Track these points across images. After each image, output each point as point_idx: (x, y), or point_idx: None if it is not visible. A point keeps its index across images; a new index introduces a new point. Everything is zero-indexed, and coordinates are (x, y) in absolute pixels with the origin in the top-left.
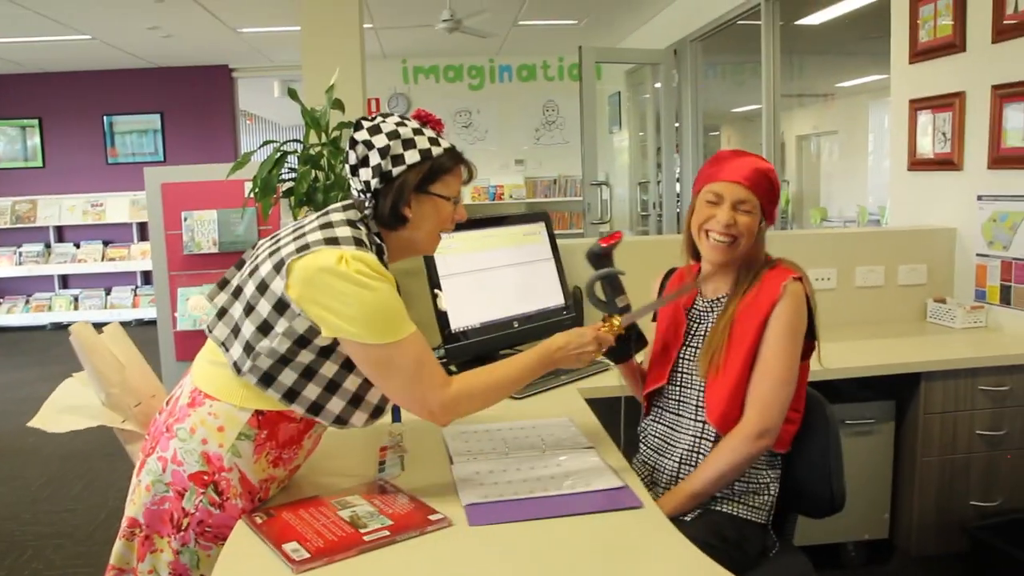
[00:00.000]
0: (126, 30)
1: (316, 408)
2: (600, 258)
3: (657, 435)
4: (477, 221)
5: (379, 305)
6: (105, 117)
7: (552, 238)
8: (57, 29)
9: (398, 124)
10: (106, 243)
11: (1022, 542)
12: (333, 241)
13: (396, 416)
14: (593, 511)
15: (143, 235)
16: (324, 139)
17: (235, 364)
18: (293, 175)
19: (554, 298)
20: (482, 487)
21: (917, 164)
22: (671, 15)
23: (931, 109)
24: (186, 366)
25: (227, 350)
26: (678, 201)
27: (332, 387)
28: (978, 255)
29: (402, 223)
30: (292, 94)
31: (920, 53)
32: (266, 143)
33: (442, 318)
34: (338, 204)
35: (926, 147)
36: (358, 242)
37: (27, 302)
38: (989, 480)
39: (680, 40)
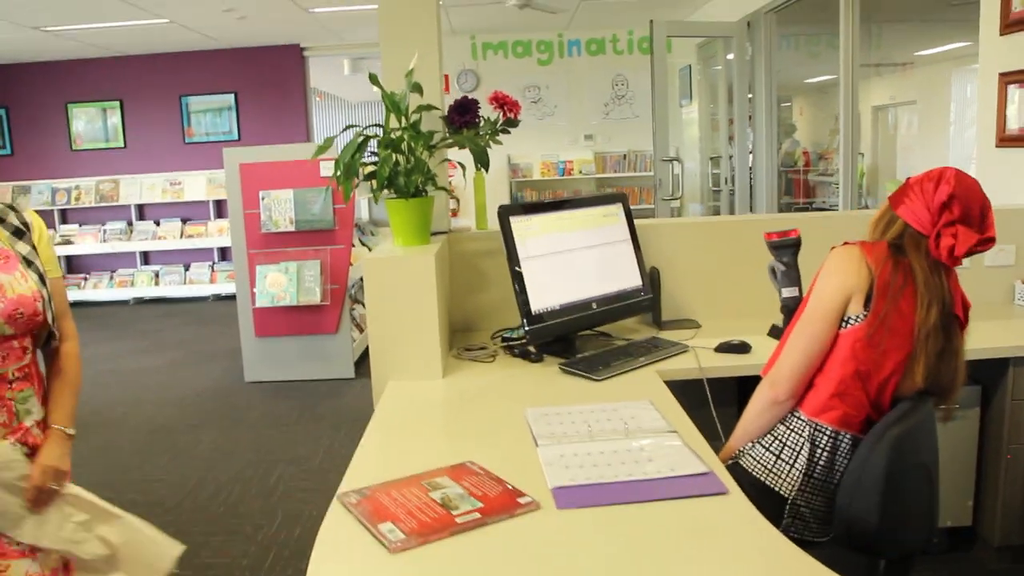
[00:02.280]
0: (202, 13)
1: None
2: (775, 249)
3: None
4: (555, 203)
5: None
6: (182, 97)
7: (630, 219)
8: (136, 14)
9: None
10: (184, 220)
11: None
12: None
13: None
14: (679, 496)
15: (220, 212)
16: (404, 123)
17: None
18: (373, 158)
19: (632, 280)
20: (568, 470)
21: (1006, 140)
22: None
23: (1023, 83)
24: (266, 342)
25: None
26: (751, 176)
27: None
28: None
29: None
30: (373, 79)
31: (1012, 24)
32: (348, 127)
33: (523, 300)
34: None
35: (1016, 123)
36: None
37: (111, 278)
38: None
39: (754, 12)
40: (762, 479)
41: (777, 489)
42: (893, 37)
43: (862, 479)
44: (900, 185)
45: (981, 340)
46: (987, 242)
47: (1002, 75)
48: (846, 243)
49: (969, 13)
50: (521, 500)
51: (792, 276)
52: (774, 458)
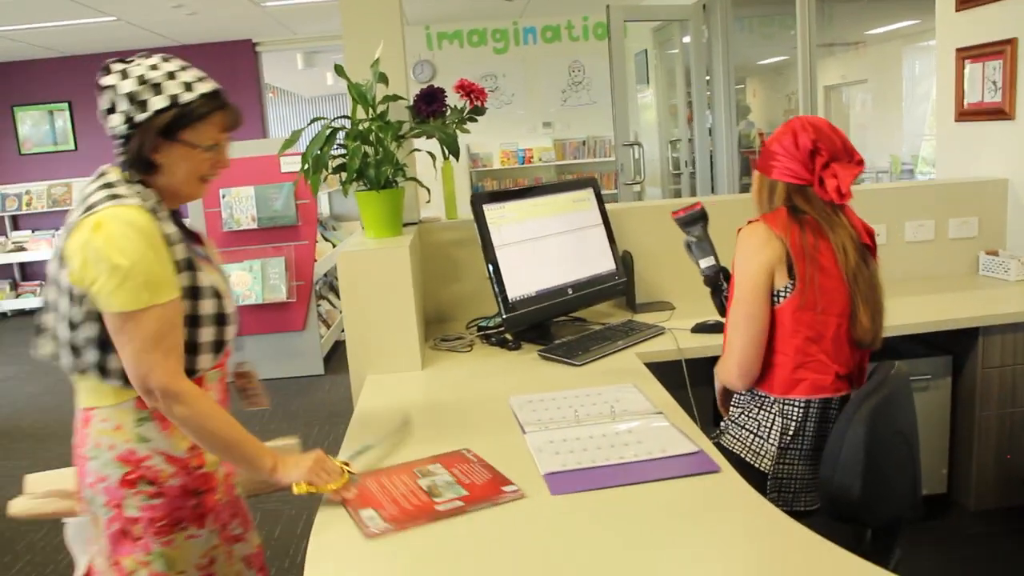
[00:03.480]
0: (150, 9)
1: None
2: (684, 224)
3: None
4: (526, 190)
5: (130, 273)
6: None
7: (601, 204)
8: (83, 12)
9: (151, 67)
10: None
11: None
12: (90, 208)
13: None
14: (671, 476)
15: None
16: (372, 114)
17: (78, 370)
18: (341, 151)
19: (606, 264)
20: (558, 456)
21: (965, 115)
22: None
23: (979, 58)
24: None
25: (58, 361)
26: (711, 158)
27: None
28: None
29: (152, 169)
30: (339, 70)
31: (968, 0)
32: (315, 120)
33: (499, 288)
34: (92, 177)
35: (974, 97)
36: (114, 197)
37: None
38: None
39: None
40: (743, 456)
41: (757, 465)
42: (844, 16)
43: (843, 451)
44: (760, 151)
45: (949, 311)
46: (859, 165)
47: (959, 50)
48: (749, 222)
49: None
50: (506, 489)
51: (705, 247)
52: (751, 435)
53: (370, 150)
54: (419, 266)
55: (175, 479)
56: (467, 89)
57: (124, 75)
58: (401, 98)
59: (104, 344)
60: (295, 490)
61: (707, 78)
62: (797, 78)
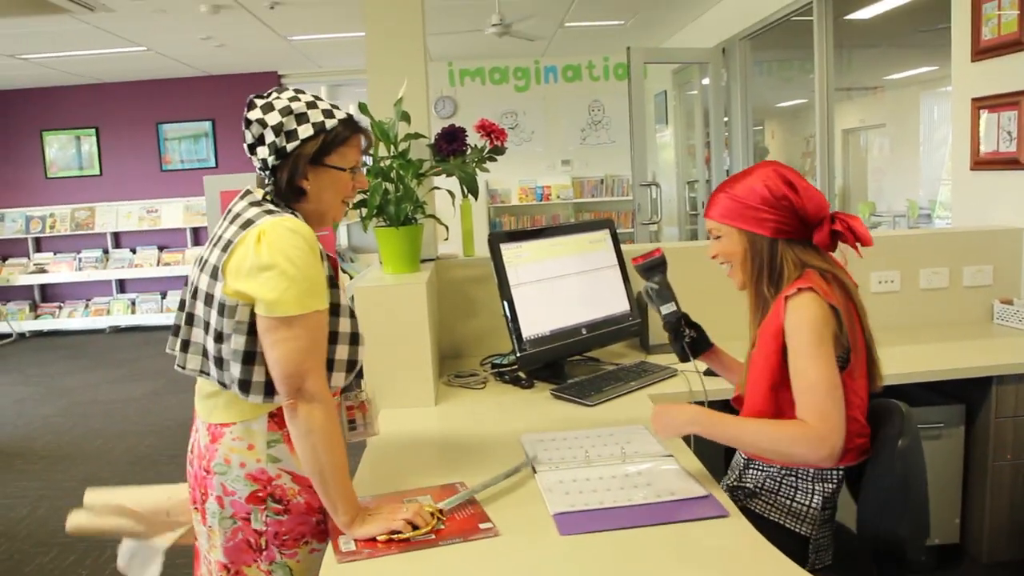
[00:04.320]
0: (180, 41)
1: None
2: (645, 271)
3: None
4: (543, 230)
5: (296, 277)
6: (158, 125)
7: (617, 245)
8: (114, 42)
9: (291, 99)
10: (161, 248)
11: None
12: (247, 223)
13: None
14: (679, 520)
15: (196, 240)
16: (393, 152)
17: (220, 383)
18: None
19: (620, 305)
20: (568, 496)
21: (981, 163)
22: (719, 13)
23: (995, 108)
24: None
25: (208, 375)
26: None
27: None
28: None
29: (301, 196)
30: (363, 108)
31: (983, 51)
32: None
33: (514, 326)
34: (237, 199)
35: (989, 146)
36: (269, 212)
37: (87, 306)
38: None
39: (729, 38)
40: (781, 522)
41: (797, 530)
42: (863, 61)
43: (887, 494)
44: (731, 222)
45: (963, 359)
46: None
47: (974, 100)
48: (800, 289)
49: (936, 38)
50: (482, 526)
51: (666, 294)
52: (789, 501)
53: (391, 187)
54: (435, 302)
55: (301, 496)
56: (487, 129)
57: (269, 108)
58: (423, 136)
59: (249, 358)
60: (379, 537)
61: (725, 119)
62: (815, 121)
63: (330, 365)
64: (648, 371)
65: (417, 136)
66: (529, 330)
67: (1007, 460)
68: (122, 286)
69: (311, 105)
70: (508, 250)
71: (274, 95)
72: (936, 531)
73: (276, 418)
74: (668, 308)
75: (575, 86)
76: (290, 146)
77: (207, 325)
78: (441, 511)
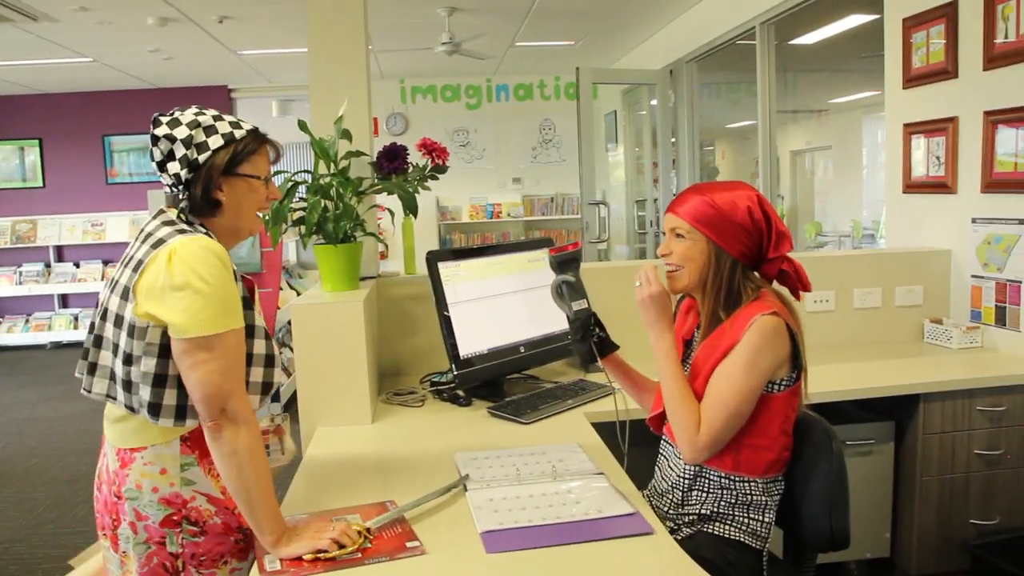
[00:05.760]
0: (127, 52)
1: None
2: (559, 265)
3: (660, 458)
4: (482, 248)
5: (210, 298)
6: (105, 137)
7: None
8: (59, 52)
9: (197, 114)
10: (106, 262)
11: (1022, 560)
12: (159, 243)
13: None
14: (606, 537)
15: None
16: (333, 169)
17: (128, 407)
18: (302, 203)
19: (559, 323)
20: (496, 514)
21: (912, 187)
22: (666, 37)
23: (925, 133)
24: None
25: (114, 399)
26: None
27: None
28: (973, 276)
29: (217, 208)
30: (302, 126)
31: (913, 79)
32: (276, 173)
33: (451, 343)
34: (150, 218)
35: (920, 170)
36: (182, 232)
37: (27, 321)
38: (987, 499)
39: (676, 60)
40: (743, 540)
41: (755, 546)
42: (808, 86)
43: (834, 490)
44: (704, 229)
45: (893, 377)
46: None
47: (906, 125)
48: (764, 314)
49: (877, 64)
50: (409, 544)
51: (580, 289)
52: (746, 519)
53: (330, 204)
54: (375, 320)
55: (217, 518)
56: (429, 148)
57: (175, 123)
58: (364, 154)
59: (160, 380)
60: (305, 556)
61: (673, 140)
62: (758, 143)
63: (245, 387)
64: (586, 389)
65: (358, 154)
66: (467, 348)
67: (934, 475)
68: (64, 301)
69: (217, 119)
70: (446, 268)
71: (178, 112)
72: (867, 545)
73: (189, 441)
74: (579, 305)
75: (526, 105)
76: (202, 157)
77: (116, 347)
78: (368, 530)
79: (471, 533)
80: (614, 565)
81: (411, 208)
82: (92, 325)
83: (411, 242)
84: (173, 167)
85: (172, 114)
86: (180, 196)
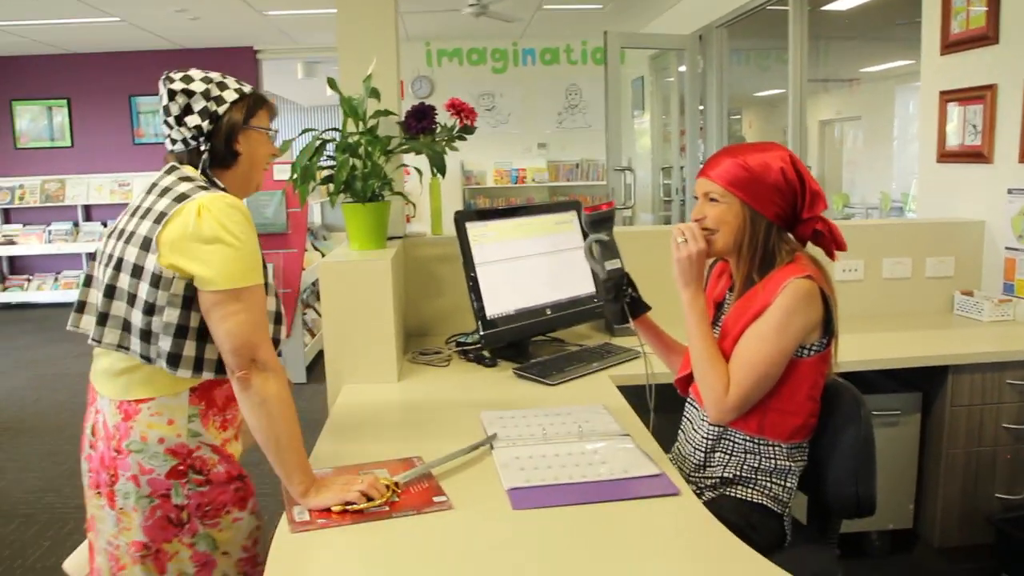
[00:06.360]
0: (154, 13)
1: (222, 366)
2: (593, 224)
3: (684, 421)
4: (510, 210)
5: (240, 252)
6: (131, 98)
7: (583, 227)
8: (87, 11)
9: (203, 74)
10: None
11: None
12: (182, 197)
13: None
14: (631, 497)
15: None
16: (362, 128)
17: (144, 356)
18: (331, 162)
19: (585, 287)
20: (523, 472)
21: (946, 156)
22: (696, 1)
23: (961, 101)
24: None
25: (128, 349)
26: None
27: None
28: (1007, 248)
29: (235, 159)
30: (331, 83)
31: (951, 44)
32: (305, 131)
33: (478, 304)
34: (162, 174)
35: (956, 139)
36: (203, 188)
37: (56, 279)
38: (1014, 473)
39: (706, 26)
40: (766, 504)
41: (779, 511)
42: (840, 54)
43: (861, 456)
44: (738, 192)
45: (921, 348)
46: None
47: (942, 93)
48: (798, 277)
49: (913, 32)
50: (436, 499)
51: (614, 248)
52: (769, 483)
53: (358, 163)
54: (402, 280)
55: (220, 466)
56: (458, 108)
57: (188, 79)
58: (392, 113)
59: (181, 331)
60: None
61: (701, 108)
62: (788, 112)
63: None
64: (611, 352)
65: (387, 113)
66: (494, 309)
67: (960, 448)
68: (92, 259)
69: (223, 77)
70: (474, 229)
71: (184, 73)
72: (890, 515)
73: (197, 392)
74: (613, 264)
75: (553, 69)
76: (221, 109)
77: (133, 297)
78: (397, 484)
79: (497, 490)
80: (640, 525)
81: (439, 167)
82: (88, 278)
83: (438, 202)
84: (193, 120)
85: (183, 71)
86: (202, 149)
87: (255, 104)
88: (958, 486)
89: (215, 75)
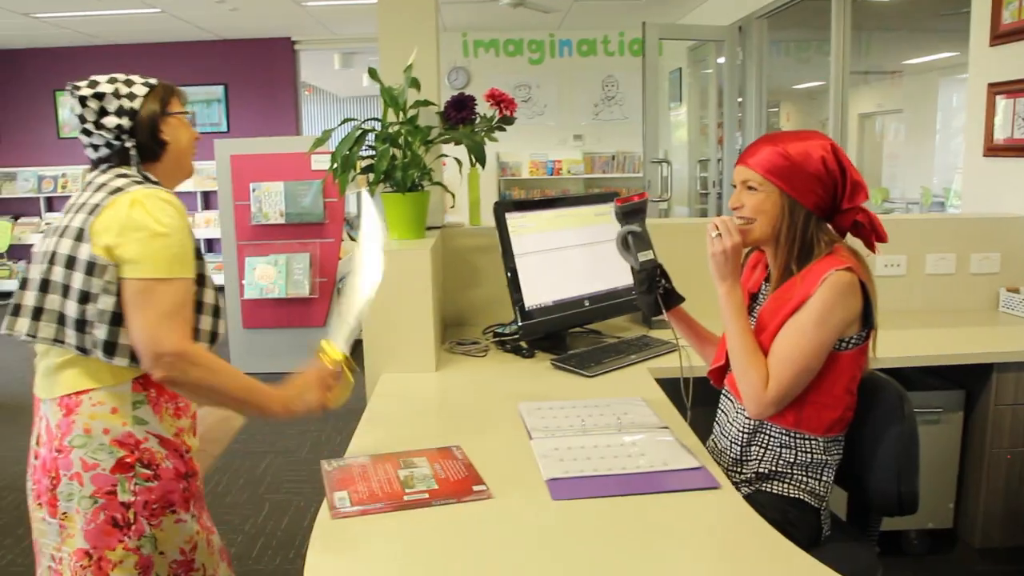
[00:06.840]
0: (194, 3)
1: None
2: (625, 215)
3: (719, 414)
4: (549, 201)
5: (167, 242)
6: None
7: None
8: (128, 3)
9: (108, 76)
10: None
11: None
12: (117, 191)
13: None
14: (670, 490)
15: (207, 204)
16: (402, 118)
17: (79, 348)
18: (370, 152)
19: (623, 279)
20: (562, 463)
21: (993, 150)
22: None
23: (1010, 94)
24: (254, 334)
25: (63, 343)
26: None
27: None
28: None
29: (163, 148)
30: (372, 74)
31: (1002, 35)
32: (345, 121)
33: (516, 295)
34: (97, 172)
35: (1003, 133)
36: (138, 183)
37: None
38: None
39: (746, 16)
40: (802, 498)
41: (816, 505)
42: (882, 45)
43: (904, 453)
44: (777, 181)
45: (965, 345)
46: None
47: (990, 85)
48: (838, 269)
49: (958, 23)
50: (475, 488)
51: (646, 239)
52: (804, 477)
53: (398, 153)
54: (440, 270)
55: (168, 461)
56: (497, 98)
57: (94, 83)
58: (432, 104)
59: (116, 319)
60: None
61: (740, 100)
62: (829, 105)
63: (195, 334)
64: (649, 345)
65: (426, 103)
66: (532, 300)
67: (1004, 447)
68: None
69: (127, 75)
70: (513, 219)
71: (89, 79)
72: (930, 515)
73: (140, 380)
74: (645, 255)
75: (589, 61)
76: (136, 104)
77: (67, 288)
78: (346, 357)
79: (536, 480)
80: (679, 518)
81: (479, 158)
82: (24, 281)
83: (477, 193)
84: (111, 121)
85: (86, 79)
86: (127, 145)
87: (166, 93)
88: (1001, 486)
89: (119, 75)
